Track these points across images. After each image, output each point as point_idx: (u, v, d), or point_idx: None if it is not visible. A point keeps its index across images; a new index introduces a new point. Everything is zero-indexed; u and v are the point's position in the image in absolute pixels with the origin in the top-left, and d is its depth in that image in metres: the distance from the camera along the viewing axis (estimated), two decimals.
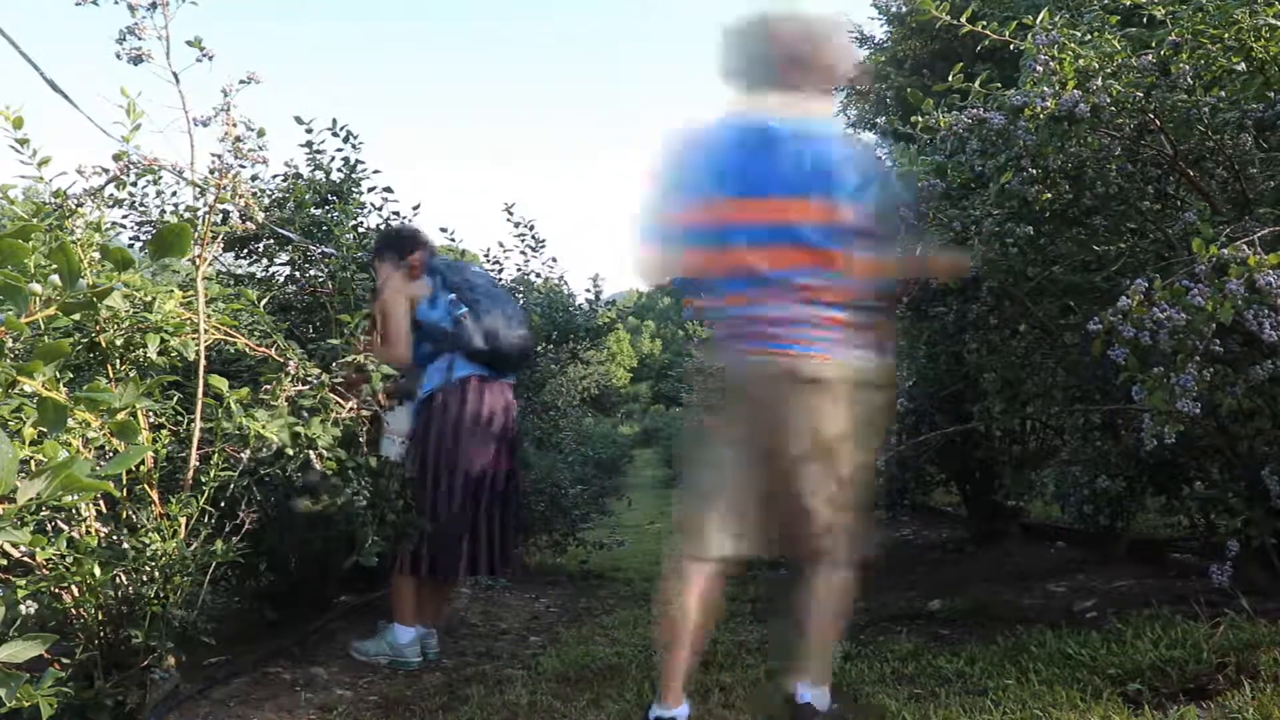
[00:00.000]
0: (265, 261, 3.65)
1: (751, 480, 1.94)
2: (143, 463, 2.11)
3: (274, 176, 3.63)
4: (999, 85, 2.73)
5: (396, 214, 3.84)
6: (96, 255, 2.12)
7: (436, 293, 3.02)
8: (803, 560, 2.01)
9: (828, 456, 1.91)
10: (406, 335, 2.96)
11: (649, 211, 2.00)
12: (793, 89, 1.96)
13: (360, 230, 3.65)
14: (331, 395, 2.66)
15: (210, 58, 2.28)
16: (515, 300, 3.43)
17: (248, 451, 2.33)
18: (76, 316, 1.99)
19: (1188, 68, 2.34)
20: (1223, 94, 2.41)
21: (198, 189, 2.71)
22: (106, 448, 1.98)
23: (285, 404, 2.47)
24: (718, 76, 2.05)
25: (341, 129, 3.66)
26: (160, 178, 3.17)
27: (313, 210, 3.46)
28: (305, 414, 2.53)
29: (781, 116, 1.93)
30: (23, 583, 1.83)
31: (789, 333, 1.89)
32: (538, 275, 5.11)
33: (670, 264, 2.06)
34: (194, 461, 2.24)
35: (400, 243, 3.14)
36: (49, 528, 1.97)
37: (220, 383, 2.18)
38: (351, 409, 2.74)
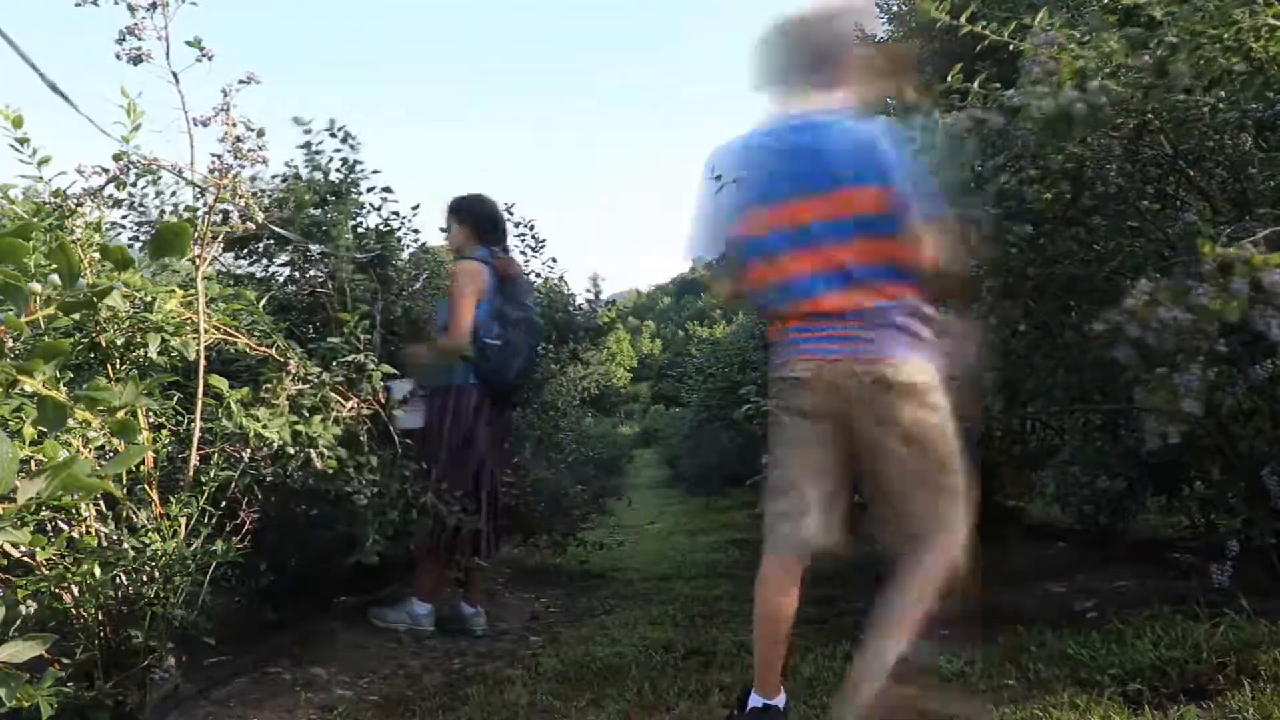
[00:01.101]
0: (265, 261, 3.65)
1: (829, 473, 1.97)
2: (143, 462, 2.11)
3: (273, 177, 3.63)
4: (998, 85, 2.73)
5: (396, 214, 3.85)
6: (96, 255, 2.12)
7: (489, 299, 3.27)
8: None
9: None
10: (468, 328, 3.19)
11: (703, 229, 2.06)
12: (808, 86, 2.02)
13: (360, 230, 3.66)
14: (332, 394, 2.66)
15: (210, 58, 2.27)
16: (537, 336, 3.72)
17: (248, 451, 2.33)
18: (76, 316, 1.99)
19: (1186, 68, 2.34)
20: (1222, 94, 2.41)
21: (197, 189, 2.71)
22: (107, 447, 1.98)
23: (285, 403, 2.47)
24: (752, 89, 2.11)
25: (339, 129, 3.66)
26: (160, 178, 3.17)
27: (312, 210, 3.45)
28: (306, 413, 2.52)
29: (799, 115, 1.98)
30: (23, 583, 1.83)
31: (844, 334, 1.91)
32: (538, 275, 5.11)
33: (736, 282, 2.09)
34: (194, 461, 2.24)
35: (492, 226, 3.48)
36: (49, 528, 1.97)
37: (220, 383, 2.18)
38: (352, 408, 2.74)
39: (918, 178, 1.97)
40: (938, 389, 1.94)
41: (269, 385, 2.51)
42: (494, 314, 3.27)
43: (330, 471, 2.52)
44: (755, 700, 1.95)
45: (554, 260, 5.13)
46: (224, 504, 2.28)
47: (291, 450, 2.39)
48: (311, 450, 2.47)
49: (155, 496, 2.15)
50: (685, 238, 2.08)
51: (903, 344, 1.91)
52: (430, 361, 3.28)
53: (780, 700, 1.96)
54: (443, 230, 3.58)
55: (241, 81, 2.42)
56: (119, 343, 2.15)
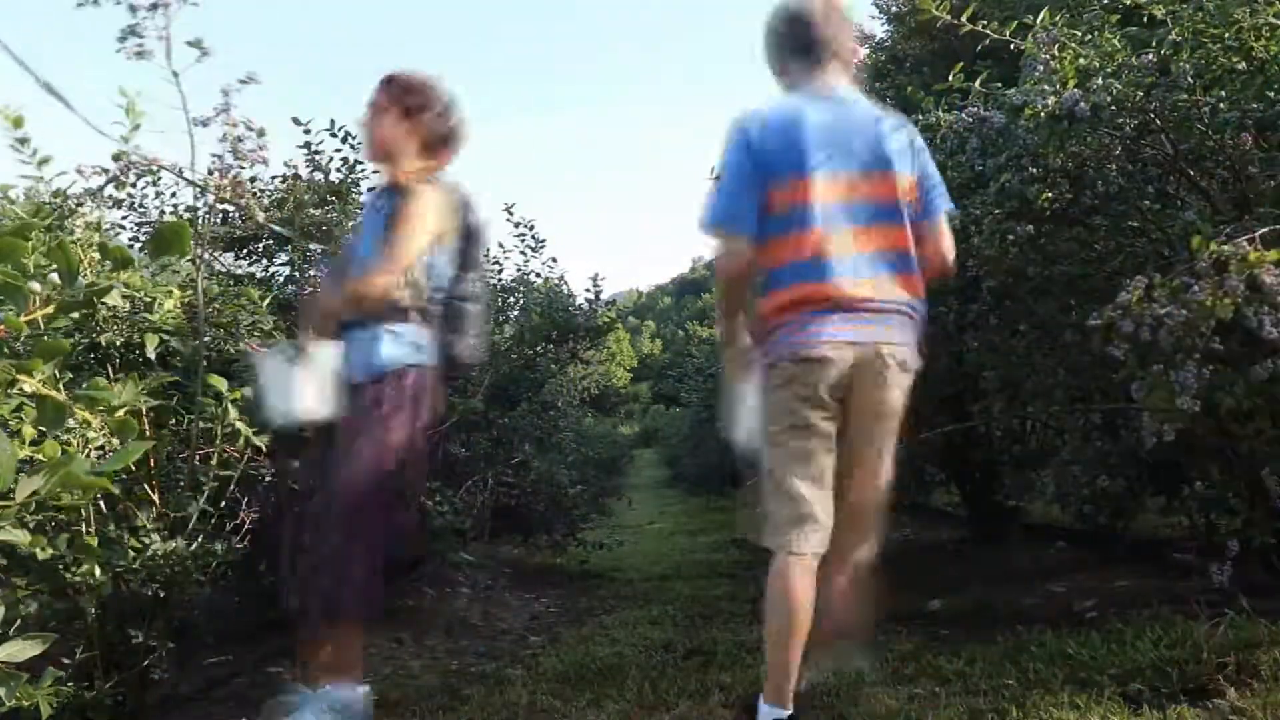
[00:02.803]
0: (265, 261, 3.65)
1: (833, 469, 1.93)
2: (143, 462, 2.11)
3: (273, 177, 3.63)
4: (999, 85, 2.73)
5: None
6: (96, 255, 2.12)
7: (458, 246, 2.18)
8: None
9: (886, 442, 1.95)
10: (413, 262, 2.05)
11: (725, 198, 1.91)
12: (825, 69, 1.97)
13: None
14: None
15: (207, 54, 2.27)
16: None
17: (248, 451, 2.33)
18: (75, 316, 1.98)
19: (1188, 67, 2.34)
20: (1223, 94, 2.42)
21: (198, 189, 2.71)
22: (106, 447, 1.98)
23: None
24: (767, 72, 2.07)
25: (340, 129, 3.67)
26: (160, 178, 3.17)
27: (312, 210, 3.46)
28: None
29: (830, 93, 1.94)
30: (23, 583, 1.83)
31: (870, 316, 1.88)
32: (537, 275, 5.13)
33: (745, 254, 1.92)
34: (194, 461, 2.24)
35: (453, 138, 2.21)
36: (49, 528, 1.97)
37: (220, 382, 2.17)
38: None
39: (936, 172, 2.00)
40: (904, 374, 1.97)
41: None
42: (465, 265, 2.19)
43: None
44: (772, 712, 1.85)
45: (554, 260, 5.15)
46: (224, 504, 2.29)
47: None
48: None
49: (155, 497, 2.15)
50: (707, 205, 1.93)
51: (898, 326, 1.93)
52: (341, 312, 2.05)
53: (789, 712, 1.86)
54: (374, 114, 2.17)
55: (241, 81, 2.42)
56: (118, 343, 2.15)
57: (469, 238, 2.19)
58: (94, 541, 1.96)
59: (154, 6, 2.25)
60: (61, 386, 1.49)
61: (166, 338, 2.23)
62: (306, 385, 1.99)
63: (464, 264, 2.18)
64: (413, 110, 2.14)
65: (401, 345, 2.03)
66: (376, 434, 1.97)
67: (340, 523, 1.95)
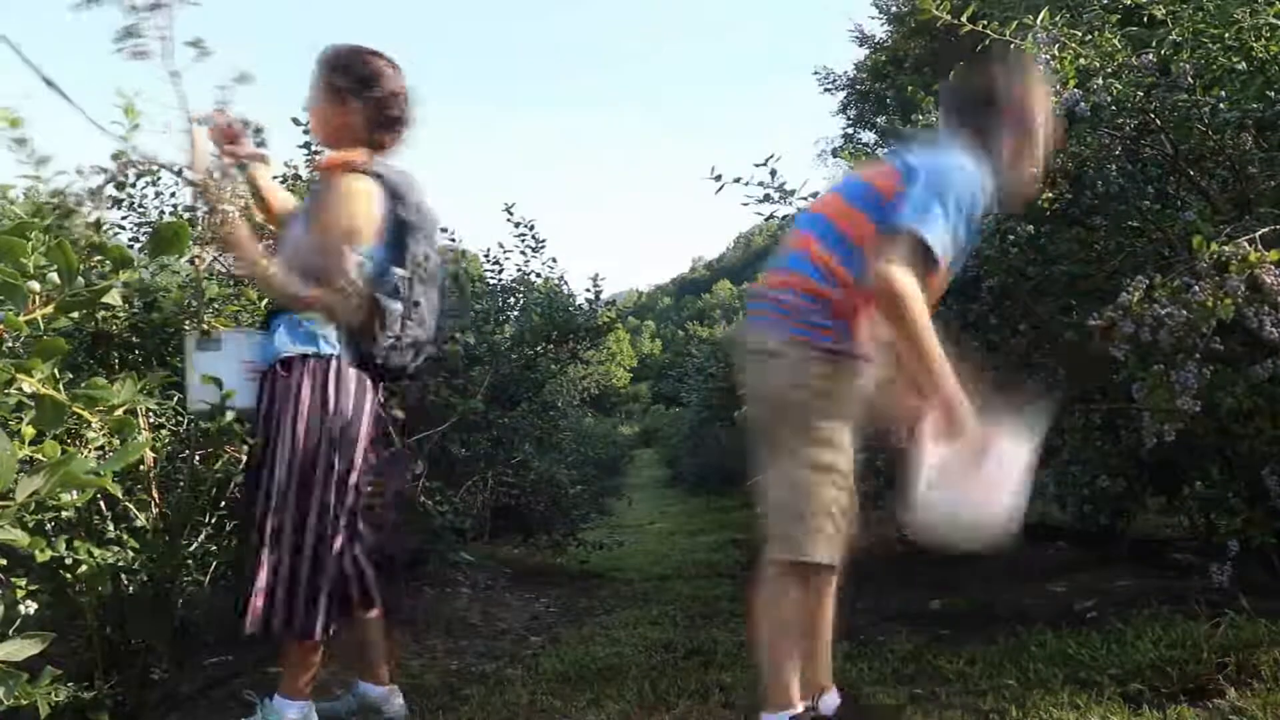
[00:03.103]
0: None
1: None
2: (142, 462, 2.11)
3: (273, 177, 3.62)
4: None
5: None
6: (97, 256, 2.12)
7: (390, 238, 2.02)
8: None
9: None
10: (352, 273, 1.94)
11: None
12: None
13: None
14: None
15: (209, 55, 2.27)
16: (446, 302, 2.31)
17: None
18: (75, 315, 1.98)
19: (1188, 67, 2.34)
20: (1223, 94, 2.42)
21: (198, 189, 2.70)
22: (106, 448, 1.98)
23: None
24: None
25: None
26: (159, 178, 3.17)
27: None
28: None
29: None
30: (23, 583, 1.83)
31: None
32: (538, 275, 5.12)
33: None
34: (194, 462, 2.24)
35: (397, 118, 2.07)
36: (49, 528, 1.97)
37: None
38: None
39: None
40: None
41: None
42: (399, 259, 2.02)
43: None
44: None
45: (554, 260, 5.14)
46: (224, 504, 2.29)
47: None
48: None
49: (155, 496, 2.15)
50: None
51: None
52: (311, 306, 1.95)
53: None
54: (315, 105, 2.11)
55: (235, 80, 2.41)
56: (117, 342, 2.15)
57: (401, 230, 2.01)
58: (93, 542, 1.96)
59: (153, 6, 2.25)
60: (61, 386, 1.50)
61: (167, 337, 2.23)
62: (219, 373, 1.99)
63: (395, 259, 2.02)
64: (350, 91, 2.01)
65: (302, 333, 1.97)
66: (285, 424, 1.92)
67: (271, 519, 1.91)
